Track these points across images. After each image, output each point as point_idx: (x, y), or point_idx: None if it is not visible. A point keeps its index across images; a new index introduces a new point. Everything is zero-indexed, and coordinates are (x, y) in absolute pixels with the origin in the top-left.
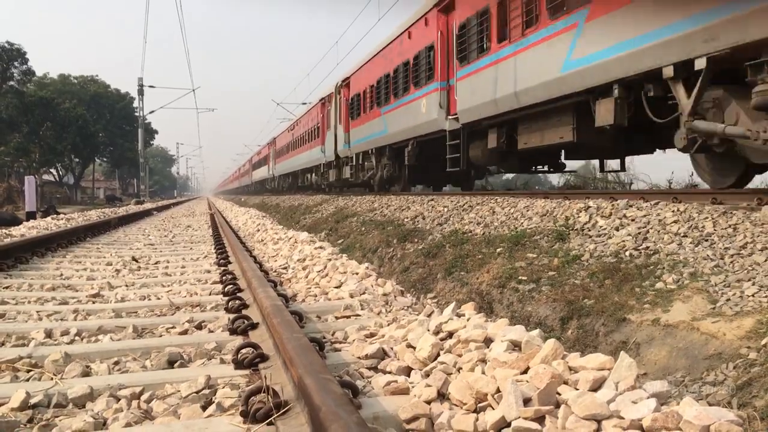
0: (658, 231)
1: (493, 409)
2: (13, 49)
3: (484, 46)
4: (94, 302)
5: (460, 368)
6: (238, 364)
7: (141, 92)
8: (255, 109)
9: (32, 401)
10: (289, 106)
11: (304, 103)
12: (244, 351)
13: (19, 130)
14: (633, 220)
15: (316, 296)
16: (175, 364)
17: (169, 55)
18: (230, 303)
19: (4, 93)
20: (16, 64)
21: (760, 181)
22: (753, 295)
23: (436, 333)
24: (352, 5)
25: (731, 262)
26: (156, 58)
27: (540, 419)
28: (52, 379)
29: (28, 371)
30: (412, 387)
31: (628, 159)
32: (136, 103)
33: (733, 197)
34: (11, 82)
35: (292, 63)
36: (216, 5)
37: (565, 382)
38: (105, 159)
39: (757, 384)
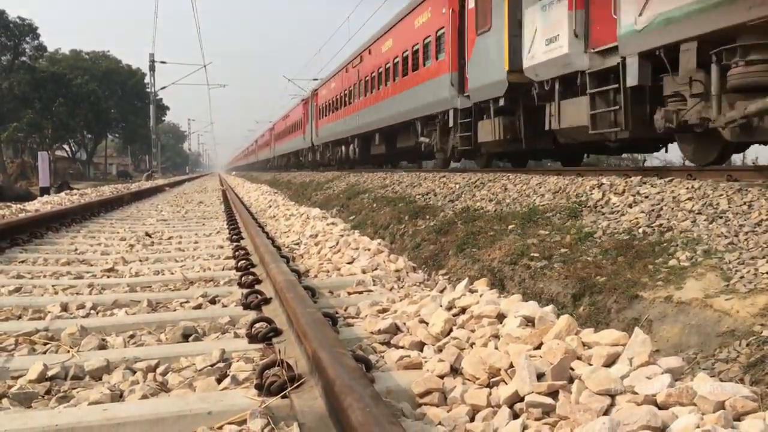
0: (672, 208)
1: (507, 383)
2: (24, 24)
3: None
4: (108, 277)
5: (473, 343)
6: (252, 338)
7: (152, 68)
8: (266, 84)
9: (49, 373)
10: (300, 81)
11: (315, 79)
12: (257, 325)
13: (31, 106)
14: (646, 197)
15: (328, 272)
16: (190, 338)
17: (180, 31)
18: (243, 278)
19: (16, 69)
20: (27, 39)
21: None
22: (767, 273)
23: (449, 308)
24: None
25: (746, 239)
26: (167, 34)
27: (553, 394)
28: (68, 351)
29: (45, 344)
30: (425, 362)
31: None
32: (147, 79)
33: (749, 174)
34: (23, 58)
35: (304, 38)
36: None
37: (579, 358)
38: (117, 135)
39: None
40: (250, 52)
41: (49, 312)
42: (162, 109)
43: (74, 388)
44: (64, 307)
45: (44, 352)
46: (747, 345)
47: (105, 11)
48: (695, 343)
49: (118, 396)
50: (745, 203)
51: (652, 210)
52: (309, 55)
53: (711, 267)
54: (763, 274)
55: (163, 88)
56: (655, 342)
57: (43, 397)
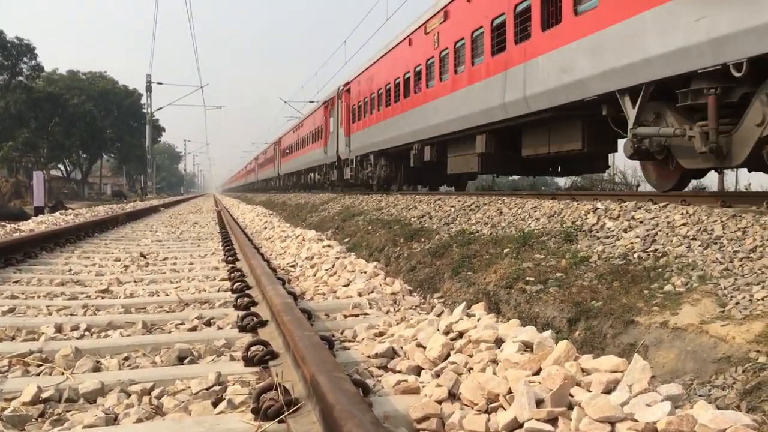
0: (667, 233)
1: (505, 409)
2: (22, 44)
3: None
4: (103, 298)
5: (471, 368)
6: (248, 362)
7: (149, 89)
8: (263, 106)
9: (43, 396)
10: (297, 104)
11: (312, 102)
12: (253, 348)
13: (27, 126)
14: (641, 222)
15: (324, 294)
16: (185, 361)
17: (177, 52)
18: (239, 300)
19: (13, 88)
20: (25, 59)
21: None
22: (762, 299)
23: (447, 333)
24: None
25: (740, 265)
26: (164, 55)
27: (553, 421)
28: (62, 374)
29: (39, 366)
30: (423, 387)
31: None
32: (143, 100)
33: (743, 200)
34: (20, 78)
35: (301, 61)
36: (225, 2)
37: (578, 384)
38: (112, 155)
39: (767, 388)
40: (247, 74)
41: (43, 333)
42: (158, 129)
43: (68, 411)
44: (58, 329)
45: (38, 374)
46: (743, 372)
47: (104, 32)
48: (691, 369)
49: (112, 419)
50: (739, 229)
51: (647, 235)
52: (306, 77)
53: (706, 293)
54: (758, 300)
55: (160, 108)
56: (651, 368)
57: (37, 420)
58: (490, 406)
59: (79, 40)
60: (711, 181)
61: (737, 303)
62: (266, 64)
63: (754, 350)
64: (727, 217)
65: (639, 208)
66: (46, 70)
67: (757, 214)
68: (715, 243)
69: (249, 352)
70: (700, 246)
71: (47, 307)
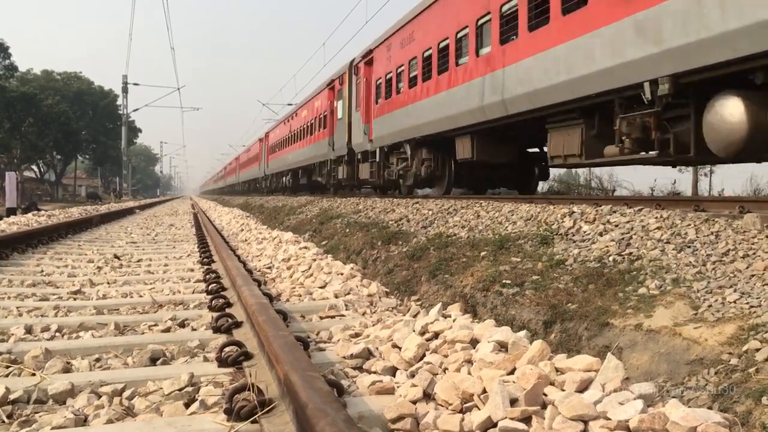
0: (642, 237)
1: (480, 409)
2: None
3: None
4: (75, 299)
5: (446, 368)
6: (222, 362)
7: (125, 90)
8: (241, 108)
9: (12, 397)
10: (275, 106)
11: (290, 104)
12: (227, 349)
13: (0, 126)
14: (617, 225)
15: (300, 296)
16: (158, 362)
17: (154, 53)
18: (214, 301)
19: None
20: None
21: (741, 189)
22: (734, 302)
23: (422, 333)
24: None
25: (713, 268)
26: (141, 56)
27: (527, 419)
28: (32, 375)
29: (8, 367)
30: (398, 387)
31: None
32: (119, 101)
33: (716, 205)
34: None
35: (280, 63)
36: (203, 4)
37: (552, 383)
38: (87, 156)
39: (738, 389)
40: (225, 76)
41: (12, 334)
42: (134, 131)
43: (37, 413)
44: (29, 330)
45: (7, 375)
46: (715, 373)
47: (80, 33)
48: (664, 370)
49: (82, 420)
50: (712, 233)
51: (622, 238)
52: (285, 79)
53: (680, 295)
54: (730, 303)
55: (136, 110)
56: (626, 369)
57: (5, 421)
58: (464, 405)
59: (54, 38)
60: (685, 186)
61: (710, 306)
62: (245, 67)
63: (726, 352)
64: (701, 221)
65: (614, 212)
66: (21, 69)
67: (729, 218)
68: (689, 246)
69: (223, 353)
70: (673, 249)
71: (17, 308)
